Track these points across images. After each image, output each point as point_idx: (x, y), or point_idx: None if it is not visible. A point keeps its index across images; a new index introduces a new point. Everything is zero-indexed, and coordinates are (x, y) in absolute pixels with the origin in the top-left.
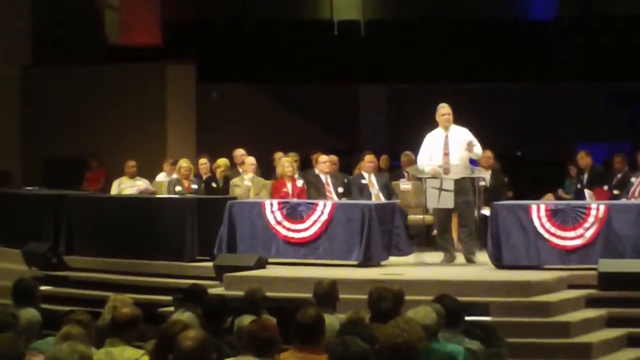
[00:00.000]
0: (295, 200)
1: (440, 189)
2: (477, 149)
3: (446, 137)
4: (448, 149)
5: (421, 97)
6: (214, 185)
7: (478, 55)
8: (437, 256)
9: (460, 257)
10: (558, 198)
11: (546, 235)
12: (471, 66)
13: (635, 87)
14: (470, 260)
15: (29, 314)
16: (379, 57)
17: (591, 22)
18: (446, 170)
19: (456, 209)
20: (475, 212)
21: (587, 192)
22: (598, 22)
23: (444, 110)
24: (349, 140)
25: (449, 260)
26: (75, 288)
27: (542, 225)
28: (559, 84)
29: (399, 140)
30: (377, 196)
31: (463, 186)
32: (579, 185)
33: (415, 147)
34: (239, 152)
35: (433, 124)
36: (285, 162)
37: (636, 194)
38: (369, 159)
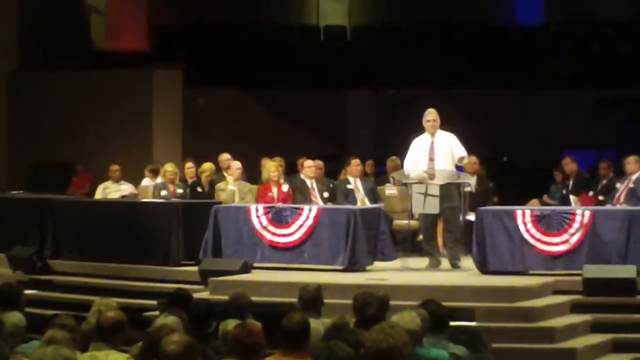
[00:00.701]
0: (280, 205)
1: (426, 195)
2: (462, 151)
3: (432, 142)
4: (434, 154)
5: (409, 102)
6: (199, 189)
7: (465, 61)
8: (423, 261)
9: (445, 263)
10: (543, 204)
11: (531, 240)
12: (458, 72)
13: (623, 94)
14: (455, 266)
15: (14, 317)
16: (366, 62)
17: (580, 29)
18: (431, 176)
19: (442, 214)
20: (461, 217)
21: (572, 197)
22: (587, 28)
23: (429, 116)
24: (337, 145)
25: (434, 265)
26: (60, 292)
27: (528, 231)
28: (546, 90)
29: (386, 146)
30: (363, 201)
31: (448, 192)
32: (564, 191)
33: (402, 153)
34: (225, 156)
35: (421, 130)
36: (270, 167)
37: (621, 200)
38: (355, 164)
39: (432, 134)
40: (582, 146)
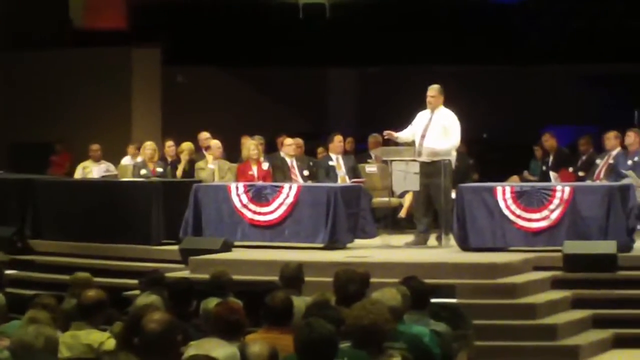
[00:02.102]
0: (260, 183)
1: (406, 172)
2: (447, 142)
3: (430, 119)
4: (427, 131)
5: (388, 79)
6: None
7: (445, 38)
8: (403, 238)
9: (431, 240)
10: (523, 180)
11: (512, 217)
12: (438, 49)
13: (602, 70)
14: (439, 240)
15: None
16: (345, 40)
17: (558, 5)
18: (419, 153)
19: (428, 191)
20: (451, 194)
21: (552, 174)
22: (565, 4)
23: (429, 92)
24: (316, 123)
25: (420, 243)
26: (41, 272)
27: (508, 207)
28: (525, 67)
29: (367, 123)
30: (344, 178)
31: (433, 169)
32: (544, 168)
33: (382, 130)
34: (204, 135)
35: (400, 106)
36: (250, 145)
37: (601, 175)
38: (338, 140)
39: (432, 111)
40: (563, 123)
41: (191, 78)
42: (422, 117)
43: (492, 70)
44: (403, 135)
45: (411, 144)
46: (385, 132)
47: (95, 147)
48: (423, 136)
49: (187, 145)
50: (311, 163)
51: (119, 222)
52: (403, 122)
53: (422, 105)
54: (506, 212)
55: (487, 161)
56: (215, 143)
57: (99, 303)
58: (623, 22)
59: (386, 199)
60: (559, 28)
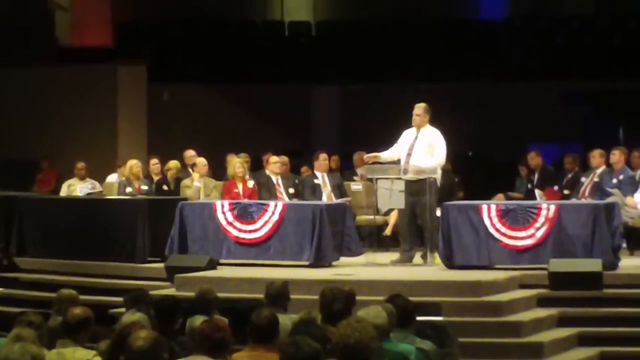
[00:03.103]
0: (246, 201)
1: (392, 189)
2: (433, 160)
3: (415, 138)
4: (412, 149)
5: (373, 97)
6: (165, 187)
7: (430, 56)
8: (388, 256)
9: (416, 258)
10: (509, 198)
11: (497, 235)
12: (423, 66)
13: (587, 88)
14: (425, 258)
15: None
16: (331, 58)
17: (543, 22)
18: (405, 170)
19: (414, 209)
20: (436, 212)
21: (537, 192)
22: (550, 22)
23: (415, 110)
24: (301, 141)
25: (405, 261)
26: (26, 290)
27: (493, 225)
28: (511, 84)
29: (351, 141)
30: (330, 196)
31: (419, 187)
32: (529, 186)
33: (368, 148)
34: (190, 153)
35: (384, 124)
36: (236, 163)
37: (586, 193)
38: (323, 158)
39: (417, 129)
40: (547, 141)
41: (177, 95)
42: (407, 135)
43: (477, 87)
44: (386, 155)
45: (396, 162)
46: (366, 157)
47: (80, 165)
48: (409, 154)
49: (173, 163)
50: (297, 181)
51: (104, 240)
52: (388, 139)
53: (407, 123)
54: (492, 230)
55: (473, 179)
56: (201, 161)
57: (84, 320)
58: (608, 39)
59: (371, 216)
60: (544, 45)
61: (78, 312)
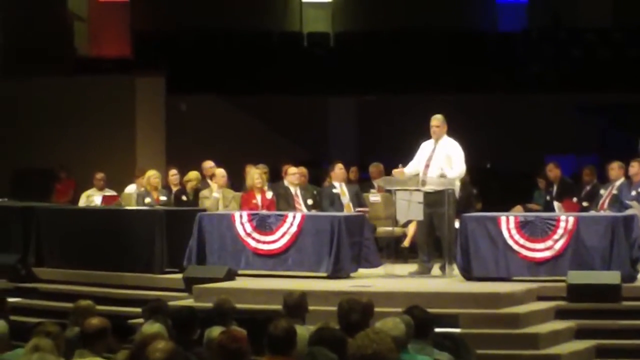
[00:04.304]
0: (264, 212)
1: (410, 201)
2: (452, 172)
3: (433, 149)
4: (430, 161)
5: (391, 108)
6: (184, 198)
7: (447, 67)
8: (407, 268)
9: (435, 269)
10: (527, 210)
11: (515, 247)
12: (440, 78)
13: (604, 100)
14: (443, 270)
15: None
16: (349, 69)
17: (560, 35)
18: (423, 182)
19: (432, 220)
20: (455, 223)
21: (556, 204)
22: (567, 34)
23: (433, 122)
24: (318, 152)
25: (424, 272)
26: (44, 300)
27: (511, 237)
28: (528, 96)
29: (369, 152)
30: (349, 206)
31: (437, 198)
32: (548, 197)
33: (384, 159)
34: (208, 164)
35: (402, 135)
36: (254, 174)
37: (605, 205)
38: (339, 167)
39: (436, 140)
40: (564, 152)
41: (195, 106)
42: (426, 147)
43: (494, 99)
44: (411, 170)
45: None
46: (395, 171)
47: (99, 175)
48: (427, 166)
49: (194, 174)
50: (315, 192)
51: (122, 250)
52: (405, 150)
53: (425, 134)
54: (510, 241)
55: (491, 191)
56: (220, 172)
57: (101, 331)
58: (624, 51)
59: (390, 228)
60: (561, 57)
61: (95, 323)
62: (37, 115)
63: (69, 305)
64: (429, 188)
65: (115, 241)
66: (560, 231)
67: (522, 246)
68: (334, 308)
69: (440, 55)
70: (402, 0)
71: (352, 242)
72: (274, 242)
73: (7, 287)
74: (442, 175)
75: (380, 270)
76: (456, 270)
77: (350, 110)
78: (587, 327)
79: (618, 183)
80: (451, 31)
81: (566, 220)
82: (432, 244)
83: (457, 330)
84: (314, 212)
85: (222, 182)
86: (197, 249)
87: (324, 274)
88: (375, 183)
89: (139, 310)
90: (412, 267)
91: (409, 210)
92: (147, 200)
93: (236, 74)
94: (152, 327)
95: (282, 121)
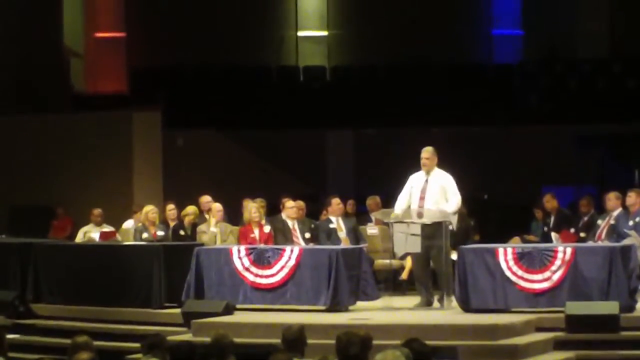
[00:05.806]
0: (262, 246)
1: (408, 234)
2: (450, 205)
3: (426, 181)
4: (425, 193)
5: (387, 142)
6: (182, 233)
7: (444, 100)
8: (405, 300)
9: (436, 302)
10: (525, 241)
11: (513, 278)
12: (437, 110)
13: (601, 130)
14: (441, 302)
15: None
16: (346, 102)
17: (557, 66)
18: (420, 214)
19: (428, 253)
20: (452, 256)
21: (553, 235)
22: (564, 65)
23: (423, 154)
24: (316, 185)
25: (426, 304)
26: (43, 336)
27: (509, 269)
28: (525, 127)
29: (366, 185)
30: (346, 240)
31: (434, 231)
32: (545, 228)
33: (382, 191)
34: (206, 198)
35: (399, 169)
36: (252, 208)
37: (602, 236)
38: (336, 202)
39: (427, 172)
40: (562, 183)
41: (191, 141)
42: (416, 179)
43: (491, 130)
44: (402, 205)
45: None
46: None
47: (97, 211)
48: (422, 198)
49: (192, 209)
50: (313, 225)
51: (120, 286)
52: (402, 183)
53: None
54: (508, 273)
55: (488, 222)
56: (217, 206)
57: None
58: (622, 81)
59: (387, 261)
60: (558, 88)
61: (84, 358)
62: (34, 152)
63: (68, 341)
64: (426, 220)
65: (113, 276)
66: (558, 262)
67: (520, 277)
68: (333, 341)
69: (436, 89)
70: (398, 33)
71: (350, 275)
72: (272, 276)
73: (6, 324)
74: (442, 215)
75: (378, 303)
76: (454, 302)
77: (348, 143)
78: (586, 358)
79: (615, 213)
80: (447, 63)
81: (564, 251)
82: (429, 276)
83: None
84: (311, 246)
85: (219, 217)
86: (195, 284)
87: (323, 308)
88: (373, 216)
89: (137, 345)
90: (411, 299)
91: (407, 243)
92: (145, 235)
93: (233, 108)
94: None
95: (280, 155)
